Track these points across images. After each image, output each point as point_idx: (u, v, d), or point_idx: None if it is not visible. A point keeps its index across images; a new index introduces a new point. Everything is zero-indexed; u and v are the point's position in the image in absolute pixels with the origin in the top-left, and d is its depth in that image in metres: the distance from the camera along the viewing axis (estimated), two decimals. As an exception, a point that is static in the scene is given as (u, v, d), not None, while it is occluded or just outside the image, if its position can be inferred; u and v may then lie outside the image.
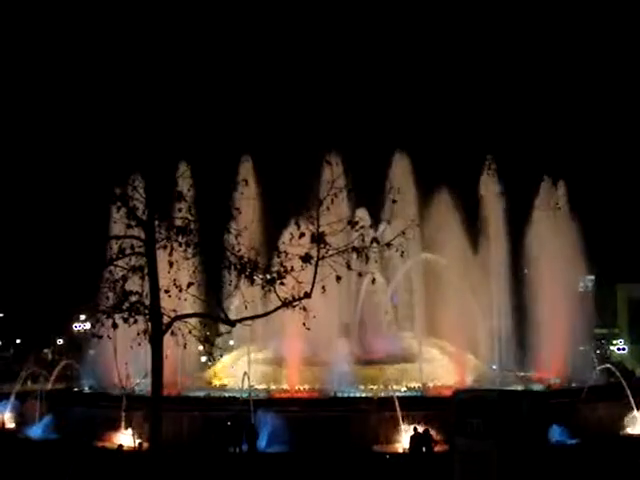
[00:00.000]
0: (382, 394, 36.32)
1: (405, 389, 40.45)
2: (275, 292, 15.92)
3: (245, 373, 37.22)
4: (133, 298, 15.93)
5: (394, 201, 34.98)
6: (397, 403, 33.89)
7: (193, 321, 16.63)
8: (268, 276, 15.90)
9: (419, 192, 47.74)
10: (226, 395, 39.72)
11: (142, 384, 24.32)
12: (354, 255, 15.96)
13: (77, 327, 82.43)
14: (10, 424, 39.72)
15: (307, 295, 15.84)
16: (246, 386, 36.54)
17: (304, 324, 16.33)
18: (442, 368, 44.29)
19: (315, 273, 15.79)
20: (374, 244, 15.92)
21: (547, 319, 46.18)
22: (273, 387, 41.47)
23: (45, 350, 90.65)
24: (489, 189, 48.78)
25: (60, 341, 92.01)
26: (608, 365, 44.62)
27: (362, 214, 38.27)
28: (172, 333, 16.26)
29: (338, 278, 15.92)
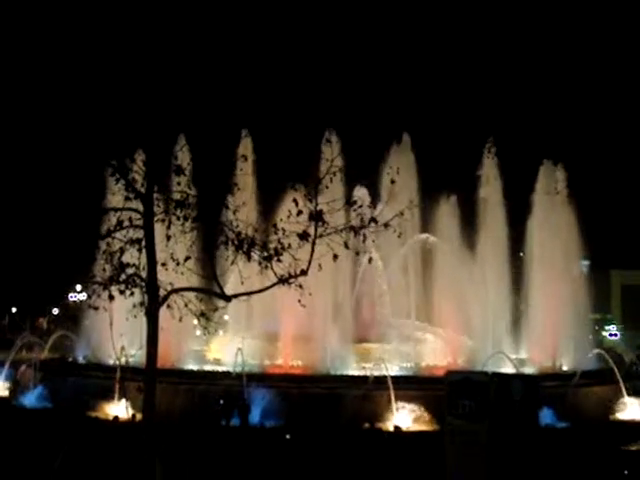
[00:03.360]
0: (375, 373, 36.48)
1: (398, 368, 40.63)
2: (272, 269, 15.99)
3: (239, 348, 37.36)
4: (130, 270, 16.01)
5: (393, 181, 34.98)
6: (390, 382, 34.11)
7: (189, 295, 16.69)
8: (265, 253, 15.96)
9: (418, 173, 47.79)
10: (219, 369, 39.90)
11: (137, 356, 24.41)
12: (352, 234, 16.02)
13: (73, 297, 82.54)
14: (4, 392, 39.85)
15: (304, 272, 15.91)
16: (240, 361, 36.69)
17: (299, 301, 16.42)
18: (435, 349, 44.47)
19: (312, 251, 15.85)
20: (372, 224, 15.96)
21: (542, 302, 46.35)
22: (267, 362, 41.63)
23: (40, 319, 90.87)
24: (488, 171, 48.75)
25: (55, 311, 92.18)
26: (600, 350, 44.84)
27: (361, 193, 38.28)
28: (168, 306, 16.35)
29: (335, 257, 16.00)
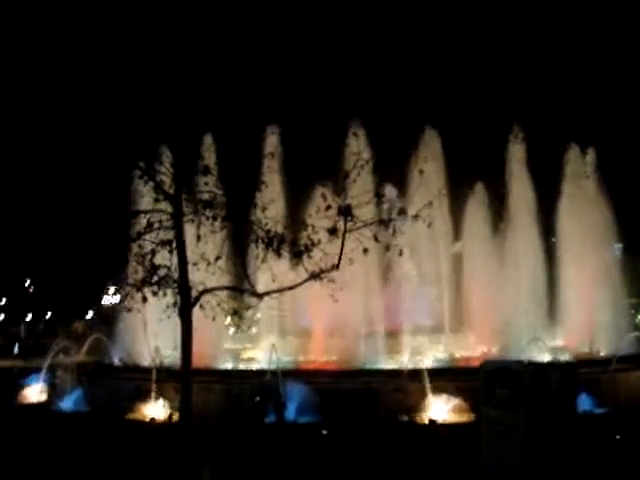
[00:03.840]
0: (410, 365, 36.38)
1: (432, 360, 40.51)
2: (303, 265, 16.00)
3: (273, 345, 37.42)
4: (162, 272, 16.11)
5: (421, 171, 34.84)
6: (426, 374, 34.01)
7: (221, 294, 16.76)
8: (295, 249, 15.98)
9: (446, 162, 47.55)
10: (254, 367, 40.00)
11: (171, 356, 24.56)
12: (381, 227, 15.99)
13: (107, 300, 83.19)
14: (42, 397, 40.24)
15: (335, 267, 15.91)
16: (274, 358, 36.75)
17: (332, 296, 16.43)
18: (470, 338, 44.30)
19: (342, 246, 15.85)
20: (401, 216, 15.92)
21: (576, 288, 45.98)
22: (301, 358, 41.68)
23: (75, 323, 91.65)
24: (516, 157, 48.37)
25: (90, 314, 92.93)
26: (637, 334, 44.38)
27: (388, 191, 38.03)
28: (201, 306, 16.44)
29: (365, 250, 15.98)
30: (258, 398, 32.80)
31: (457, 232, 47.77)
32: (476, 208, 47.52)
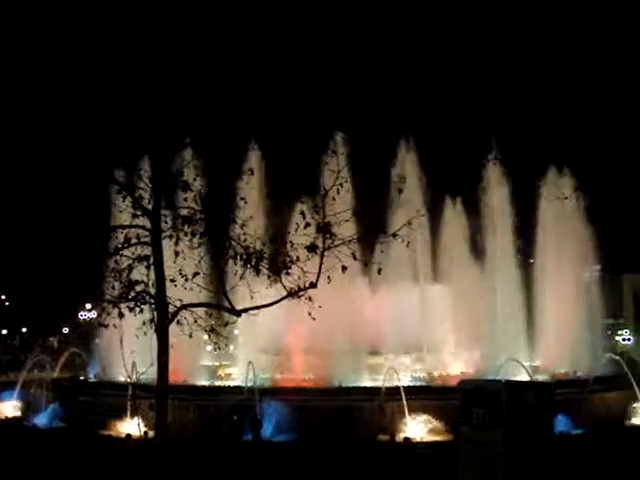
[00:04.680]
0: (387, 384, 36.32)
1: (410, 378, 40.48)
2: (281, 282, 15.93)
3: (250, 362, 37.24)
4: (139, 287, 15.98)
5: (400, 190, 34.85)
6: (403, 393, 33.95)
7: (199, 311, 16.65)
8: (274, 266, 15.91)
9: (425, 182, 47.63)
10: (231, 384, 39.81)
11: (148, 373, 24.37)
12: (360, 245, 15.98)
13: (83, 316, 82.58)
14: (16, 412, 39.84)
15: (313, 285, 15.85)
16: (251, 375, 36.56)
17: (309, 314, 16.36)
18: (447, 358, 44.27)
19: (321, 263, 15.80)
20: (380, 234, 15.93)
21: (553, 309, 46.13)
22: (278, 376, 41.49)
23: (51, 338, 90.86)
24: (493, 177, 48.60)
25: (66, 330, 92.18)
26: (614, 355, 44.55)
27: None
28: (178, 322, 16.31)
29: (344, 268, 15.93)
30: (235, 417, 32.59)
31: (435, 252, 47.76)
32: (455, 228, 47.63)
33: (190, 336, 16.33)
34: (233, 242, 16.27)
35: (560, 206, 47.10)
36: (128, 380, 31.34)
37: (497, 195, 48.31)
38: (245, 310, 16.92)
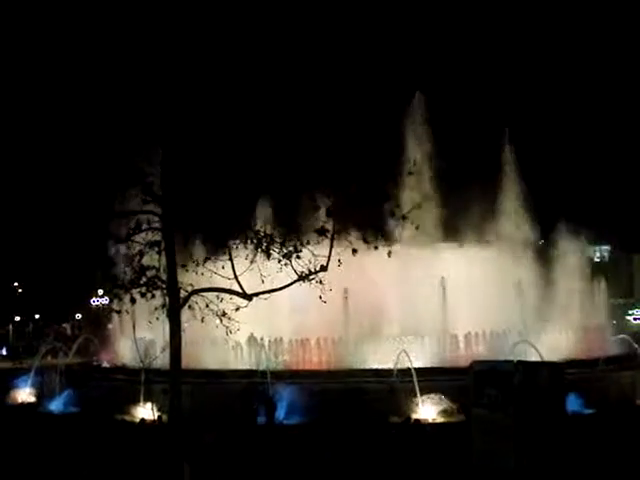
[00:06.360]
0: (399, 365, 36.37)
1: (422, 360, 40.46)
2: (291, 266, 15.99)
3: (262, 346, 37.37)
4: (150, 273, 16.06)
5: (410, 173, 34.72)
6: (414, 374, 34.00)
7: (210, 295, 16.72)
8: (284, 250, 15.97)
9: (435, 165, 47.52)
10: (244, 368, 39.92)
11: (160, 358, 24.51)
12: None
13: (95, 302, 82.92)
14: (31, 398, 40.12)
15: (323, 268, 15.91)
16: (264, 358, 36.70)
17: (320, 297, 16.42)
18: (459, 339, 44.22)
19: (331, 247, 15.85)
20: (390, 217, 15.95)
21: (563, 289, 46.10)
22: (291, 359, 41.57)
23: (64, 325, 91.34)
24: (508, 162, 48.56)
25: (79, 316, 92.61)
26: (624, 335, 44.51)
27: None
28: (189, 307, 16.39)
29: (354, 251, 15.99)
30: (251, 400, 32.66)
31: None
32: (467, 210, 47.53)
33: (202, 321, 16.44)
34: (244, 226, 16.35)
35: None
36: (141, 365, 31.57)
37: (509, 176, 48.26)
38: (256, 294, 17.00)
